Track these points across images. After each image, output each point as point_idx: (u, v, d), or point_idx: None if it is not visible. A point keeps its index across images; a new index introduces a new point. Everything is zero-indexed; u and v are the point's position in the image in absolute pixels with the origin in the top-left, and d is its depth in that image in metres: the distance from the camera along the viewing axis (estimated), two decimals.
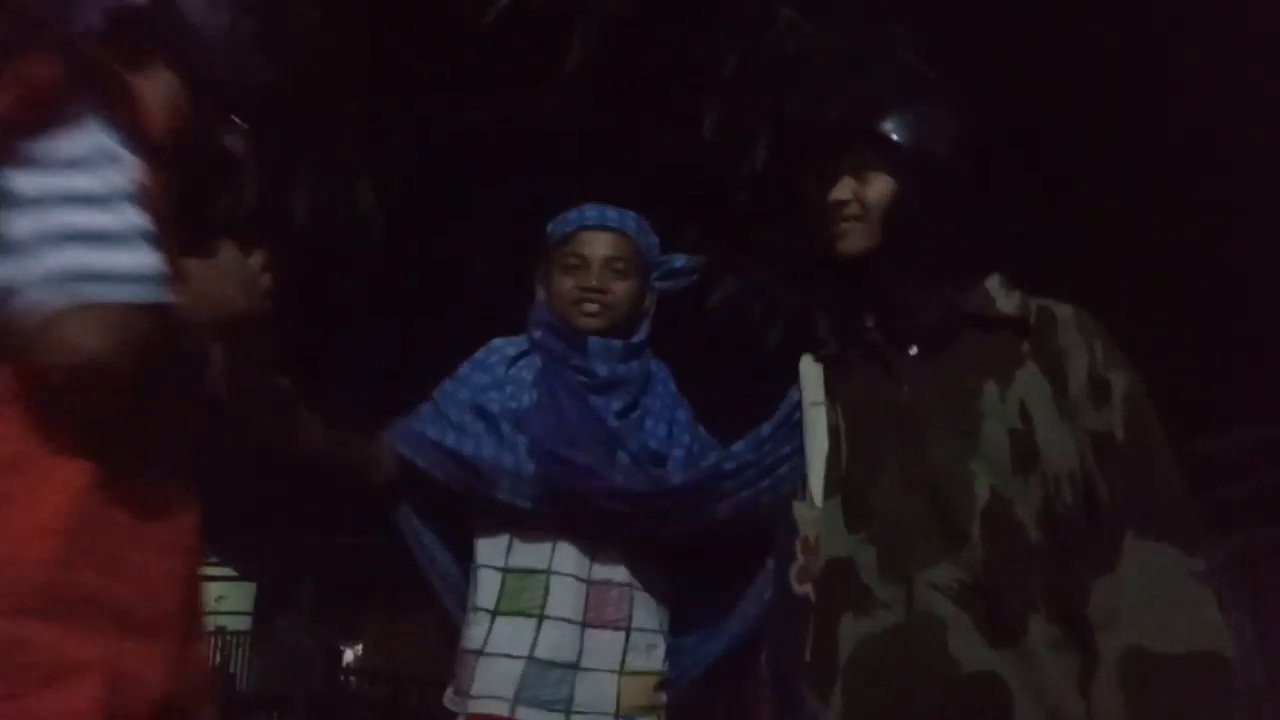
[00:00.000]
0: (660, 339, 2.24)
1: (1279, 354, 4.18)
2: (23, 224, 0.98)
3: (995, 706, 1.24)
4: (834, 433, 1.49)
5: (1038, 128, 3.74)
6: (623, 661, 1.66)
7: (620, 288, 1.78)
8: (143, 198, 1.05)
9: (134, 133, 1.07)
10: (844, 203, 1.45)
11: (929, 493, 1.34)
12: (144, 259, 1.01)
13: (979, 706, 1.24)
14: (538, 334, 1.81)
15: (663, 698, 1.72)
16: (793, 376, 1.67)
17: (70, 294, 0.97)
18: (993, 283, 1.47)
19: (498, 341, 1.88)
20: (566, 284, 1.78)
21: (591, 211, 1.82)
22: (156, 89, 1.18)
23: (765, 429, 1.70)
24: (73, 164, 1.02)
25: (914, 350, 1.45)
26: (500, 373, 1.79)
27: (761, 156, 3.03)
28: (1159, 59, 3.64)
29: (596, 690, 1.63)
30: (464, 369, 1.83)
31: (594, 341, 1.77)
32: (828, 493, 1.46)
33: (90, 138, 1.03)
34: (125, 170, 1.04)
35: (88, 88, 1.04)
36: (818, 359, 1.60)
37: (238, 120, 1.35)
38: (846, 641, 1.34)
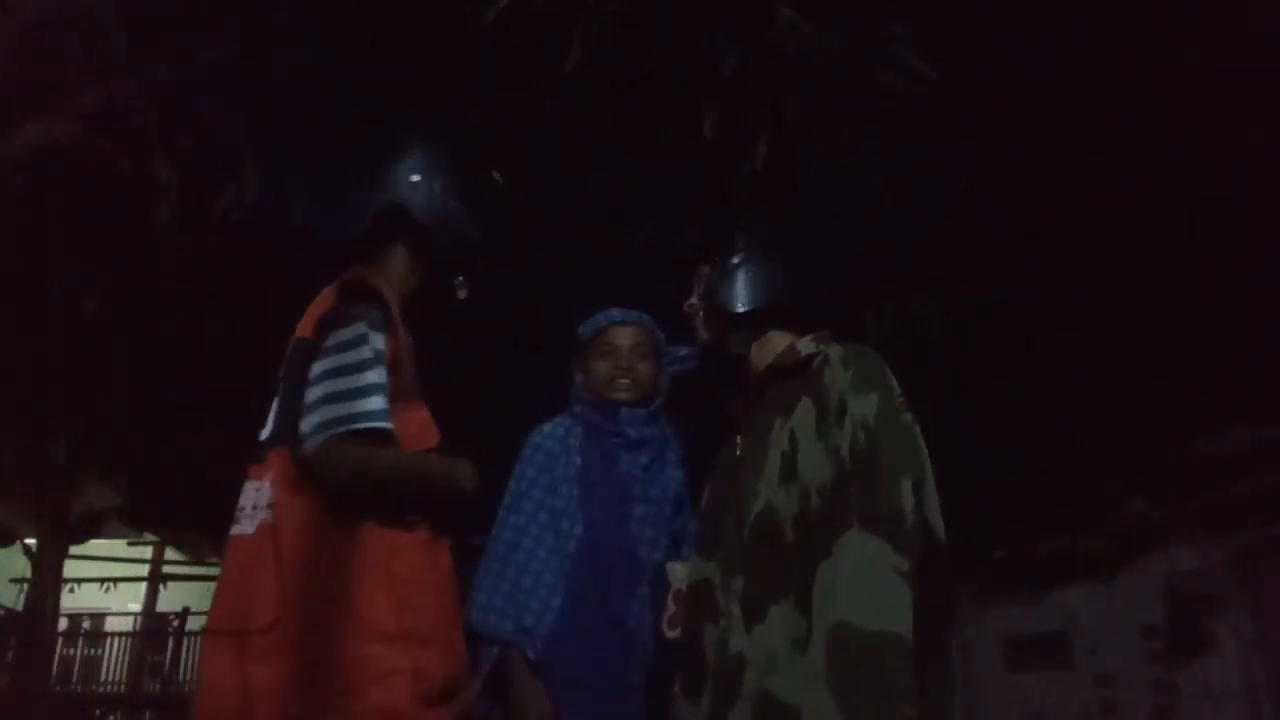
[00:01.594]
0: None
1: (1279, 354, 4.19)
2: (308, 394, 1.62)
3: (735, 681, 1.54)
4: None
5: (1037, 127, 3.74)
6: None
7: (644, 367, 2.25)
8: (381, 361, 1.64)
9: (380, 319, 1.68)
10: (689, 306, 1.95)
11: (737, 516, 1.66)
12: (370, 404, 1.61)
13: (728, 684, 1.55)
14: (578, 408, 2.28)
15: None
16: None
17: (326, 436, 1.57)
18: (804, 340, 1.77)
19: (542, 432, 2.28)
20: (603, 367, 2.25)
21: (616, 312, 2.32)
22: (396, 271, 1.82)
23: None
24: (338, 348, 1.64)
25: (744, 407, 1.82)
26: (559, 457, 2.26)
27: (761, 156, 3.03)
28: (1159, 59, 3.64)
29: None
30: (530, 471, 2.23)
31: (624, 411, 2.23)
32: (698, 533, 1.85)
33: (351, 329, 1.65)
34: (371, 346, 1.64)
35: (353, 304, 1.67)
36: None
37: (461, 279, 1.90)
38: (709, 649, 1.63)
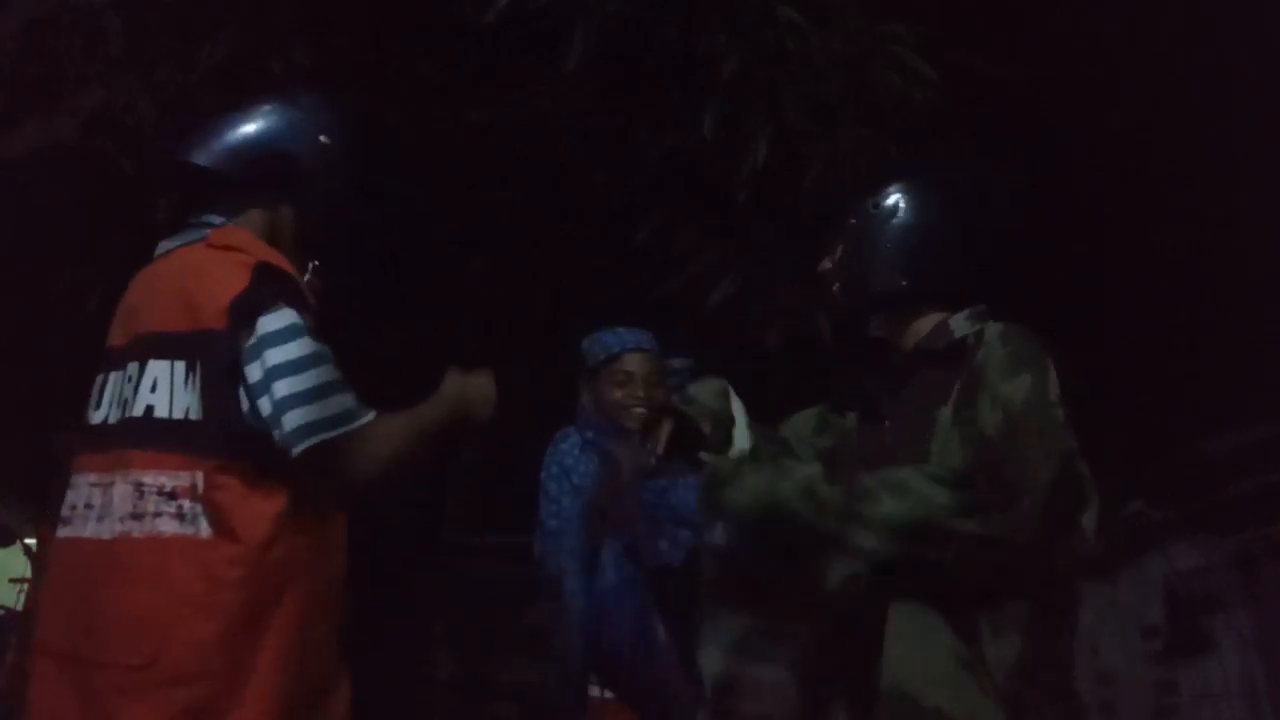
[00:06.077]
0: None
1: (1279, 354, 4.19)
2: (266, 400, 1.37)
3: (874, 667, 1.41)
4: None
5: (1036, 127, 3.74)
6: None
7: (658, 395, 2.23)
8: (326, 353, 1.42)
9: (302, 301, 1.45)
10: (825, 271, 1.68)
11: None
12: (346, 401, 1.41)
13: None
14: (589, 434, 2.25)
15: None
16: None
17: (319, 437, 1.36)
18: (958, 318, 1.58)
19: (561, 449, 2.28)
20: (617, 394, 2.24)
21: (629, 337, 2.29)
22: (269, 233, 1.54)
23: None
24: (280, 339, 1.38)
25: (891, 388, 1.63)
26: (573, 469, 2.25)
27: (761, 156, 3.03)
28: (1160, 59, 3.64)
29: None
30: (552, 488, 2.25)
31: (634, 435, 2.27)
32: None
33: (281, 316, 1.40)
34: (308, 334, 1.41)
35: (270, 285, 1.41)
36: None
37: (315, 264, 1.60)
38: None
